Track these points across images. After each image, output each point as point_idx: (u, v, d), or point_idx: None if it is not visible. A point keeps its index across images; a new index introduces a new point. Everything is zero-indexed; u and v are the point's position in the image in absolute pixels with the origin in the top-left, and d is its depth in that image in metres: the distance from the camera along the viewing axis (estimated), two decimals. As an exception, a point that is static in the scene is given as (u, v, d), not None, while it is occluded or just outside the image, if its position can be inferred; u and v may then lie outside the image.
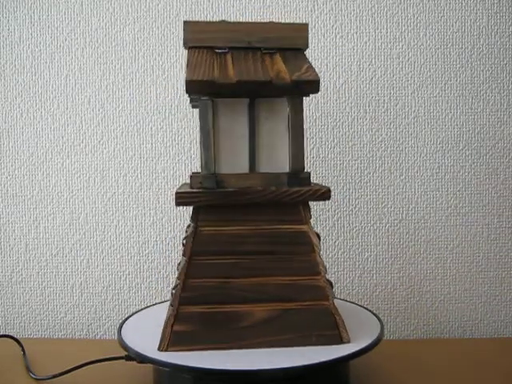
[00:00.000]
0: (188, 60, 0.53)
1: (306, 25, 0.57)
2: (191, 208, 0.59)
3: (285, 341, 0.51)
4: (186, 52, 0.75)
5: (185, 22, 0.54)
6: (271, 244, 0.53)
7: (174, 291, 0.52)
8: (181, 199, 0.51)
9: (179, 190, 0.51)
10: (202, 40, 0.55)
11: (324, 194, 0.53)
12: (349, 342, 0.52)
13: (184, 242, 0.53)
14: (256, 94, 0.53)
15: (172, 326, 0.51)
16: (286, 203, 0.52)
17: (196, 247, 0.52)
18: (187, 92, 0.50)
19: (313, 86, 0.51)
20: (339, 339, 0.52)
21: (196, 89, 0.50)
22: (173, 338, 0.50)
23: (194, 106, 0.65)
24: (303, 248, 0.53)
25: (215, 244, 0.52)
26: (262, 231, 0.53)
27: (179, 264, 0.63)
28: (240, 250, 0.52)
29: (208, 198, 0.51)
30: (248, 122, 0.54)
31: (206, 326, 0.51)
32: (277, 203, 0.52)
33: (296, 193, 0.52)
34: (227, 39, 0.55)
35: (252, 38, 0.56)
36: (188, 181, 0.75)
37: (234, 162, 0.53)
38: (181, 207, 0.77)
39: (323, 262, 0.54)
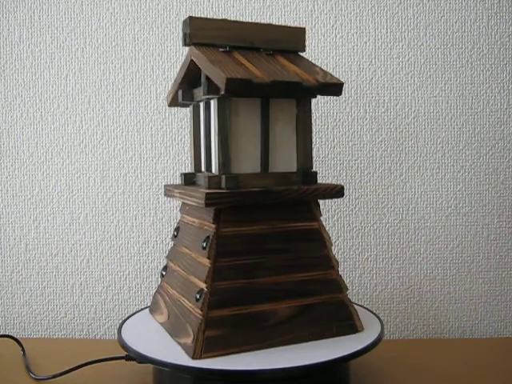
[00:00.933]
0: (207, 56, 0.51)
1: (304, 29, 0.59)
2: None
3: (308, 335, 0.53)
4: (184, 50, 0.75)
5: (190, 18, 0.54)
6: (287, 242, 0.54)
7: (199, 296, 0.50)
8: (210, 200, 0.50)
9: (208, 191, 0.50)
10: (206, 37, 0.54)
11: (340, 191, 0.55)
12: (362, 330, 0.55)
13: (207, 245, 0.52)
14: (275, 95, 0.54)
15: (204, 333, 0.49)
16: (300, 202, 0.54)
17: (220, 249, 0.51)
18: (227, 91, 0.49)
19: (338, 88, 0.53)
20: (355, 329, 0.55)
21: (234, 87, 0.48)
22: (206, 345, 0.49)
23: (173, 105, 0.62)
24: (316, 244, 0.55)
25: (236, 245, 0.52)
26: (279, 230, 0.53)
27: (164, 269, 0.61)
28: (260, 249, 0.53)
29: (236, 198, 0.51)
30: (260, 121, 0.54)
31: (235, 328, 0.50)
32: (293, 202, 0.54)
33: (316, 191, 0.54)
34: (231, 38, 0.55)
35: (254, 39, 0.56)
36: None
37: (247, 161, 0.54)
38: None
39: (335, 257, 0.56)
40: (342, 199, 0.77)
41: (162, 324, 0.57)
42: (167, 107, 0.76)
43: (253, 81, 0.49)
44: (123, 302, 0.78)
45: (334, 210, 0.77)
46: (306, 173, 0.55)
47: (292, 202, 0.53)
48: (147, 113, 0.77)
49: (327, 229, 0.77)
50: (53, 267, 0.78)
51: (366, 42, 0.76)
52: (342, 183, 0.77)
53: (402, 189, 0.77)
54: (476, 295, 0.77)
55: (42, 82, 0.77)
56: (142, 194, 0.77)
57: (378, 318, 0.59)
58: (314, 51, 0.76)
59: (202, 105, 0.57)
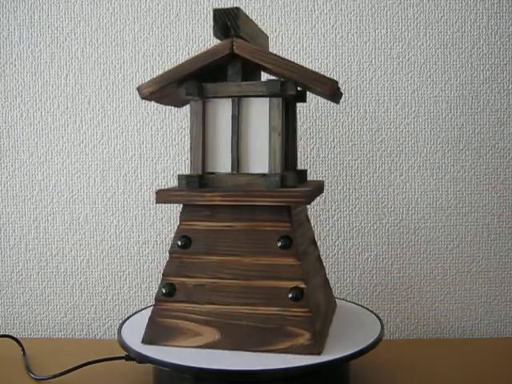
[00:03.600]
0: (280, 55, 0.52)
1: (267, 37, 0.62)
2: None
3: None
4: (184, 49, 0.76)
5: (238, 9, 0.52)
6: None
7: (295, 295, 0.50)
8: (308, 198, 0.50)
9: (304, 189, 0.50)
10: (244, 32, 0.53)
11: None
12: None
13: (289, 244, 0.51)
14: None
15: (316, 327, 0.50)
16: None
17: (299, 246, 0.52)
18: (335, 98, 0.52)
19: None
20: None
21: (334, 92, 0.51)
22: (319, 340, 0.50)
23: (153, 99, 0.57)
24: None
25: (299, 242, 0.53)
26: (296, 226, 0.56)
27: (169, 287, 0.53)
28: (300, 241, 0.54)
29: (316, 195, 0.53)
30: (284, 121, 0.55)
31: (318, 318, 0.52)
32: None
33: None
34: (249, 36, 0.55)
35: (257, 41, 0.57)
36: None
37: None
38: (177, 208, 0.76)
39: None
40: (341, 199, 0.77)
41: (203, 346, 0.52)
42: (167, 107, 0.76)
43: (338, 86, 0.52)
44: (123, 302, 0.78)
45: (334, 210, 0.77)
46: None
47: None
48: (147, 113, 0.77)
49: (327, 229, 0.77)
50: (53, 267, 0.78)
51: (366, 42, 0.76)
52: (342, 183, 0.77)
53: (402, 189, 0.77)
54: (476, 295, 0.77)
55: (42, 82, 0.77)
56: (142, 194, 0.77)
57: (378, 317, 0.59)
58: (314, 51, 0.76)
59: (224, 101, 0.53)
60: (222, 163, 0.54)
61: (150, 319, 0.53)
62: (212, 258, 0.53)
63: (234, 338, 0.51)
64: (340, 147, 0.77)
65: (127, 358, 0.54)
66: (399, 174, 0.77)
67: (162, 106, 0.76)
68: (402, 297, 0.77)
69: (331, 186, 0.76)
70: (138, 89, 0.54)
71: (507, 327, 0.78)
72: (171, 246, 0.54)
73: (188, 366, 0.47)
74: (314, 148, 0.76)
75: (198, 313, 0.52)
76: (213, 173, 0.54)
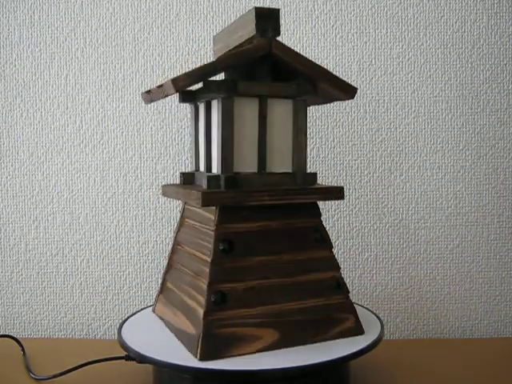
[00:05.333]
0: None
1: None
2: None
3: None
4: (184, 49, 0.76)
5: (278, 10, 0.52)
6: None
7: (335, 284, 0.54)
8: (343, 193, 0.55)
9: (338, 185, 0.54)
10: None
11: None
12: None
13: (325, 238, 0.55)
14: None
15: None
16: None
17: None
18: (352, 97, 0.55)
19: None
20: None
21: None
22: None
23: (185, 93, 0.56)
24: None
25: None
26: None
27: (219, 294, 0.50)
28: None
29: None
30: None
31: None
32: None
33: None
34: None
35: None
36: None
37: None
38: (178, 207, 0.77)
39: None
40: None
41: (265, 349, 0.51)
42: (167, 107, 0.76)
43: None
44: (123, 302, 0.78)
45: (334, 210, 0.77)
46: None
47: None
48: (147, 113, 0.77)
49: (327, 229, 0.77)
50: (53, 267, 0.78)
51: (365, 42, 0.76)
52: (342, 183, 0.77)
53: (402, 189, 0.77)
54: (476, 295, 0.77)
55: (42, 81, 0.77)
56: (142, 194, 0.77)
57: (378, 317, 0.59)
58: (314, 51, 0.76)
59: (251, 100, 0.53)
60: (247, 162, 0.53)
61: (205, 333, 0.49)
62: (255, 258, 0.52)
63: (291, 334, 0.52)
64: (340, 147, 0.77)
65: (127, 358, 0.54)
66: (399, 174, 0.77)
67: (161, 105, 0.76)
68: (402, 297, 0.77)
69: (331, 186, 0.77)
70: (175, 80, 0.49)
71: (507, 327, 0.78)
72: (213, 252, 0.50)
73: (187, 366, 0.47)
74: (313, 148, 0.76)
75: (253, 316, 0.51)
76: (238, 172, 0.52)
